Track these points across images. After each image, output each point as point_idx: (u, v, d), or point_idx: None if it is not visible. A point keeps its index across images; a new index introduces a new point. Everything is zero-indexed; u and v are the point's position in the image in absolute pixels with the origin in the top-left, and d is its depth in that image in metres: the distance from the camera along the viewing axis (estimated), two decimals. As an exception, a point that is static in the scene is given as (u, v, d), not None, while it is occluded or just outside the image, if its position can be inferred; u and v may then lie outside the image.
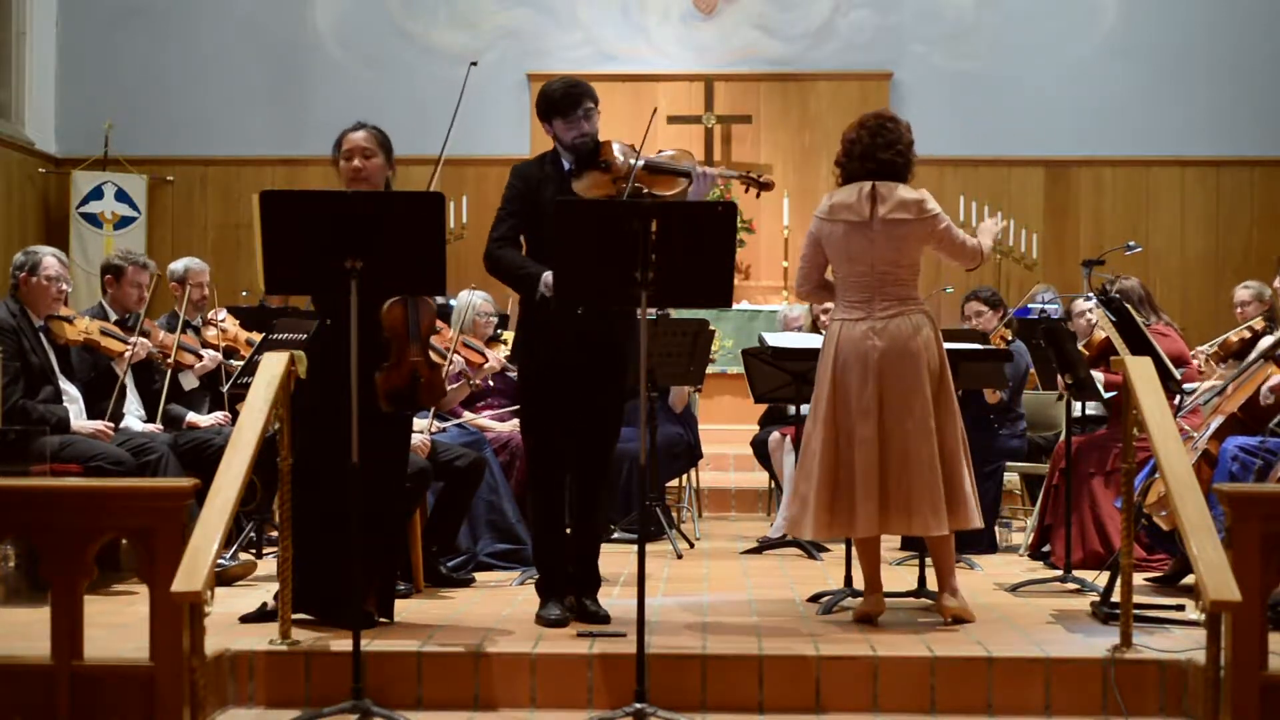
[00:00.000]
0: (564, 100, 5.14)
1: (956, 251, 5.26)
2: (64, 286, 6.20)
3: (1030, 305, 8.98)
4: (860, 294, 5.14)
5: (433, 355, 6.42)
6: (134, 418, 6.42)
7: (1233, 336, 6.69)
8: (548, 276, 4.91)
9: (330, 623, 4.89)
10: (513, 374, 7.20)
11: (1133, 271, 7.86)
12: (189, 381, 6.77)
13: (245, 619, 5.01)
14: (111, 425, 6.05)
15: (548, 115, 5.19)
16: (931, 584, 5.53)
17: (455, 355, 6.60)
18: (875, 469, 5.03)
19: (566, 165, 5.19)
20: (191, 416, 6.61)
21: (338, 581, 4.73)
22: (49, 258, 6.15)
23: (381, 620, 5.03)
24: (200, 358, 6.76)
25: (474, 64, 5.65)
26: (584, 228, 4.45)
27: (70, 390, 6.15)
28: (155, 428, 6.35)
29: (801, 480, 5.19)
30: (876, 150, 5.15)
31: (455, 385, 6.72)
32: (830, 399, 5.12)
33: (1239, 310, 7.58)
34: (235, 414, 5.81)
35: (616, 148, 5.19)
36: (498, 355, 7.14)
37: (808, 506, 5.11)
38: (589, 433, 5.17)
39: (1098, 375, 6.50)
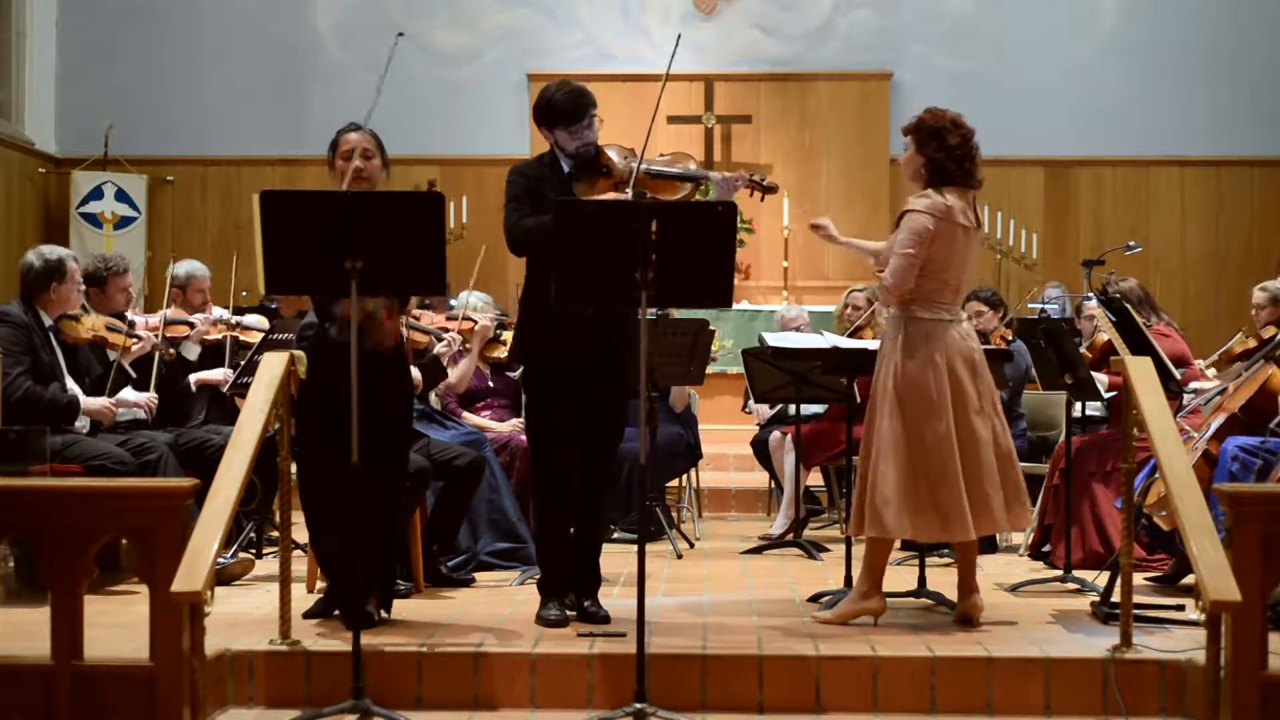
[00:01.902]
0: (572, 111, 5.09)
1: None
2: (83, 286, 6.24)
3: (1037, 302, 9.00)
4: (951, 297, 5.18)
5: (419, 336, 6.45)
6: (129, 390, 6.45)
7: (1236, 347, 6.66)
8: None
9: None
10: (513, 374, 7.22)
11: (1133, 271, 7.87)
12: (191, 351, 6.78)
13: (309, 615, 5.06)
14: (113, 402, 6.05)
15: (551, 123, 5.13)
16: (932, 584, 5.54)
17: (449, 335, 6.60)
18: (996, 467, 5.09)
19: (566, 169, 5.18)
20: (200, 375, 6.69)
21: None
22: (71, 261, 6.16)
23: (382, 615, 5.03)
24: (192, 325, 6.79)
25: (401, 34, 5.50)
26: (584, 228, 4.45)
27: (75, 390, 6.15)
28: (150, 398, 6.33)
29: (942, 484, 5.01)
30: (977, 168, 5.22)
31: (461, 364, 6.82)
32: (951, 400, 5.06)
33: (1254, 313, 7.46)
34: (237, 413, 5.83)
35: (614, 153, 5.18)
36: (489, 315, 7.14)
37: (962, 509, 5.00)
38: (594, 433, 5.17)
39: (1100, 378, 6.50)
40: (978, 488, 5.04)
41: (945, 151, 5.13)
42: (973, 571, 5.19)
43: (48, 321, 6.09)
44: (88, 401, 6.02)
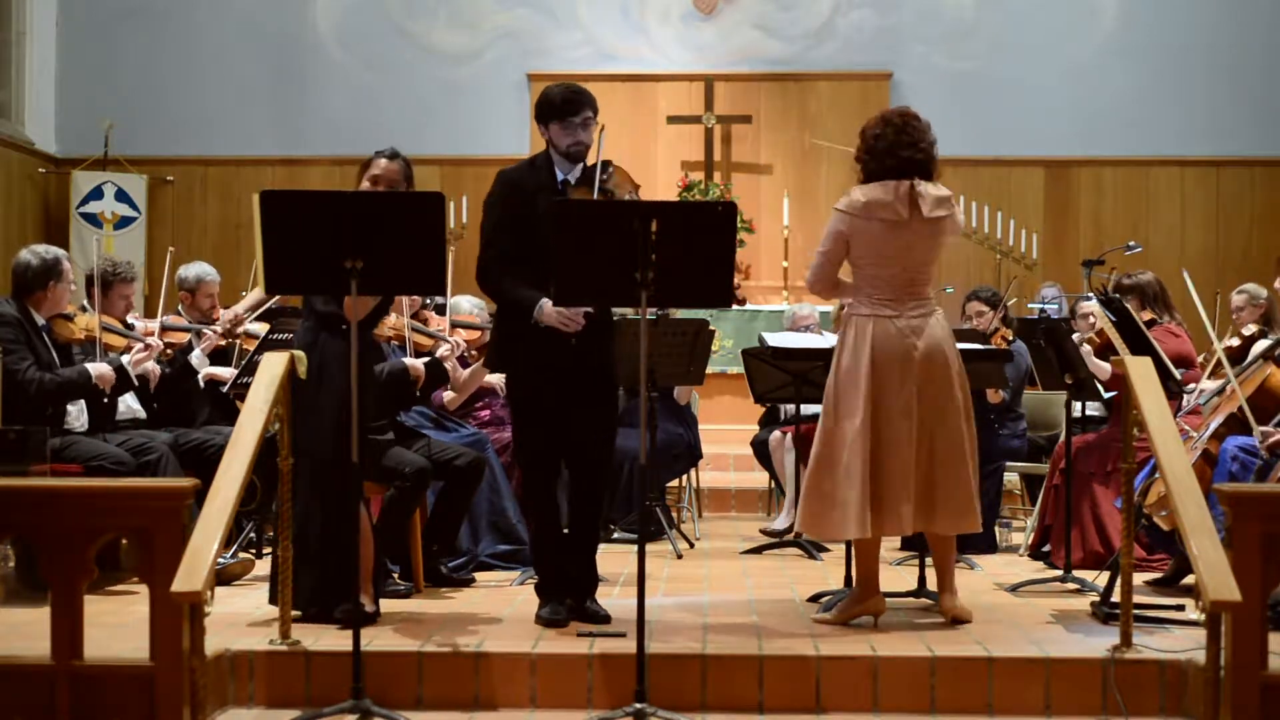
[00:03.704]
0: (564, 105, 5.12)
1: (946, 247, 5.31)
2: (74, 287, 6.24)
3: (1035, 302, 8.99)
4: (890, 293, 5.08)
5: (424, 339, 6.45)
6: (133, 400, 6.43)
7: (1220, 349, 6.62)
8: (544, 304, 4.95)
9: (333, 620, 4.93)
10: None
11: (1130, 273, 7.83)
12: (201, 363, 6.76)
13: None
14: (113, 370, 6.06)
15: (546, 118, 5.16)
16: (932, 584, 5.53)
17: (452, 338, 6.60)
18: (912, 468, 5.02)
19: (560, 175, 5.17)
20: (210, 370, 6.68)
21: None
22: (65, 261, 6.16)
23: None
24: (200, 333, 6.77)
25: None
26: (584, 228, 4.45)
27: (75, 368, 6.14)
28: (154, 368, 6.33)
29: (838, 481, 5.03)
30: (900, 148, 5.07)
31: (470, 370, 6.81)
32: (869, 397, 5.03)
33: (1235, 316, 7.50)
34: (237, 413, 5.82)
35: (620, 182, 5.17)
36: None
37: (849, 506, 5.00)
38: (586, 434, 5.16)
39: (1104, 365, 6.49)
40: (884, 488, 5.02)
41: (867, 151, 5.15)
42: (948, 571, 5.19)
43: (40, 321, 6.09)
44: (94, 367, 6.02)
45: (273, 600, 5.01)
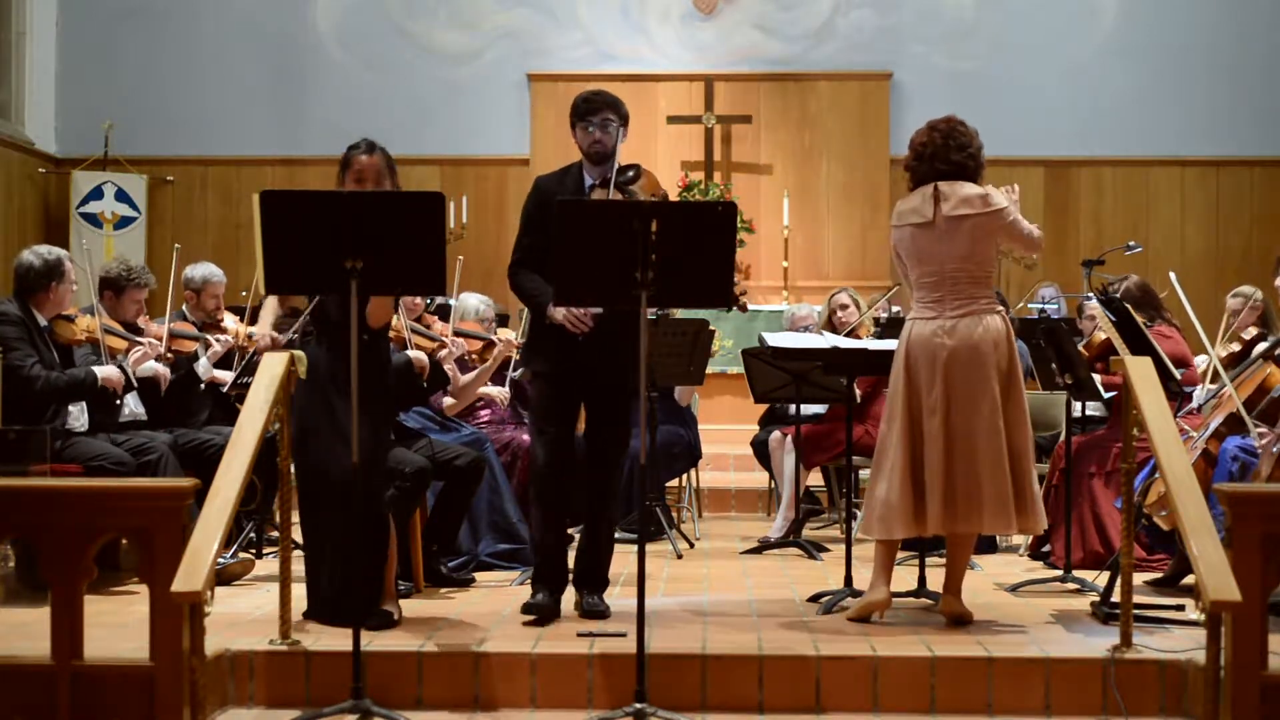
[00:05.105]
0: (583, 106, 5.25)
1: (1025, 243, 5.28)
2: (75, 287, 6.24)
3: (1032, 303, 8.97)
4: (932, 294, 5.14)
5: (425, 341, 6.46)
6: (133, 400, 6.44)
7: (1222, 353, 6.61)
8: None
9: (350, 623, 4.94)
10: (514, 374, 7.22)
11: (1132, 272, 7.83)
12: (204, 369, 6.74)
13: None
14: (123, 374, 6.07)
15: (572, 123, 5.30)
16: (932, 584, 5.53)
17: (455, 340, 6.60)
18: (941, 467, 5.03)
19: (589, 180, 5.21)
20: (213, 373, 6.67)
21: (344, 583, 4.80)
22: (67, 262, 6.16)
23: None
24: (208, 343, 6.75)
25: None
26: (584, 228, 4.46)
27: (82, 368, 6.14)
28: (162, 370, 6.33)
29: (880, 481, 5.12)
30: (949, 152, 5.17)
31: (471, 375, 6.80)
32: (905, 399, 5.11)
33: (1233, 319, 7.46)
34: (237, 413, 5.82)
35: (644, 188, 5.19)
36: (507, 336, 7.12)
37: (892, 507, 5.06)
38: (604, 432, 5.23)
39: (1095, 376, 6.49)
40: (919, 488, 5.06)
41: (915, 158, 5.27)
42: (959, 573, 5.19)
43: (42, 321, 6.09)
44: (101, 370, 6.01)
45: (311, 613, 5.04)
